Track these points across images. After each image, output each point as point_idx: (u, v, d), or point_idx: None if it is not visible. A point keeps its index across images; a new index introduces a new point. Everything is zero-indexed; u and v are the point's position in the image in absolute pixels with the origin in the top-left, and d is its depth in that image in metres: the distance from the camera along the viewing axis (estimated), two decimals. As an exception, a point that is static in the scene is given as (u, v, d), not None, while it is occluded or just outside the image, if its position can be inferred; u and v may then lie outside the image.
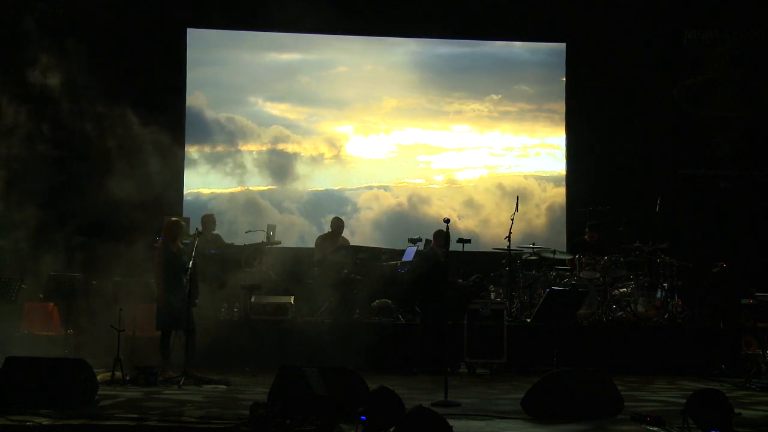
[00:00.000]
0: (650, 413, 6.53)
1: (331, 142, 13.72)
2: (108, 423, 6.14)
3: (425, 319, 10.14)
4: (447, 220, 7.91)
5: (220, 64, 13.65)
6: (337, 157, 13.70)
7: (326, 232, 12.02)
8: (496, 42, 14.06)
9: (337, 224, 11.85)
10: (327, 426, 5.81)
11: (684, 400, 6.04)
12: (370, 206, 13.65)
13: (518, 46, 14.08)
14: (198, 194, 13.49)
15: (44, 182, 11.39)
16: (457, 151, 13.86)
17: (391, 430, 5.42)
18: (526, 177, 13.89)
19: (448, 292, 9.69)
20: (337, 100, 13.74)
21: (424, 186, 13.79)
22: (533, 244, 11.54)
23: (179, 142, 13.05)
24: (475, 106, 13.91)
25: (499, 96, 13.92)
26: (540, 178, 13.94)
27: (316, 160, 13.66)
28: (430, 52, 14.03)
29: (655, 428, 6.14)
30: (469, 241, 11.00)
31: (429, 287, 9.96)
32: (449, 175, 13.85)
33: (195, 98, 13.49)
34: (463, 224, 13.57)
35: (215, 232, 11.68)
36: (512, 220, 11.07)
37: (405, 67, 13.92)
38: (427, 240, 11.16)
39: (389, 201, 13.69)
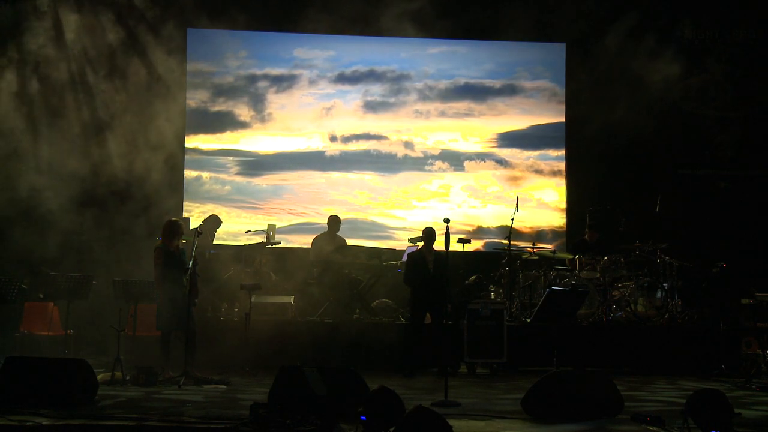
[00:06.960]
0: (650, 413, 6.53)
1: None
2: (108, 423, 6.14)
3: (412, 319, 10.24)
4: (447, 220, 7.90)
5: (225, 61, 13.70)
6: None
7: (323, 231, 11.83)
8: (498, 41, 14.04)
9: (334, 222, 11.71)
10: (327, 426, 5.81)
11: (684, 400, 6.04)
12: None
13: (520, 46, 14.06)
14: (205, 192, 13.53)
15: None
16: (464, 150, 13.84)
17: (391, 430, 5.42)
18: (534, 172, 13.90)
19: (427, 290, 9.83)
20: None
21: (431, 184, 13.82)
22: (533, 244, 11.55)
23: (180, 140, 13.06)
24: (479, 104, 13.91)
25: (504, 95, 13.92)
26: (544, 177, 13.95)
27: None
28: (435, 52, 14.05)
29: (655, 428, 6.14)
30: (468, 241, 11.07)
31: (413, 287, 10.10)
32: (455, 172, 13.83)
33: (198, 94, 13.53)
34: (475, 221, 13.65)
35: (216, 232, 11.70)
36: (512, 220, 11.11)
37: (406, 68, 13.94)
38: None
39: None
